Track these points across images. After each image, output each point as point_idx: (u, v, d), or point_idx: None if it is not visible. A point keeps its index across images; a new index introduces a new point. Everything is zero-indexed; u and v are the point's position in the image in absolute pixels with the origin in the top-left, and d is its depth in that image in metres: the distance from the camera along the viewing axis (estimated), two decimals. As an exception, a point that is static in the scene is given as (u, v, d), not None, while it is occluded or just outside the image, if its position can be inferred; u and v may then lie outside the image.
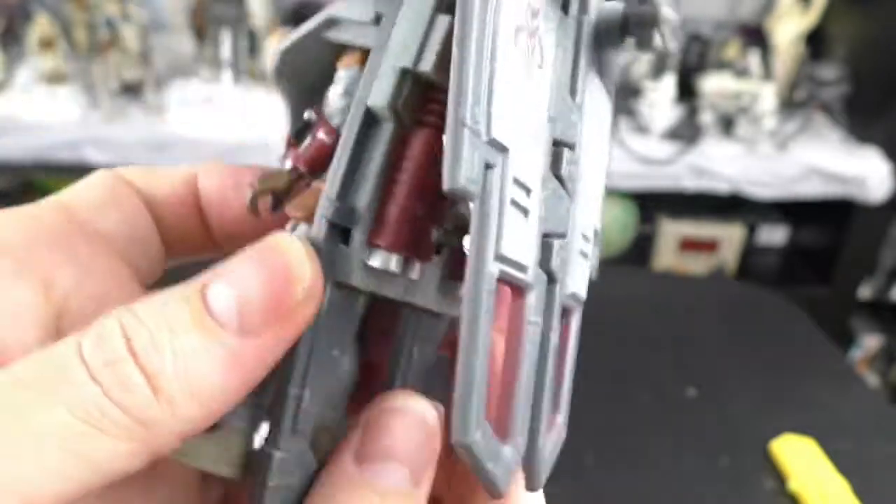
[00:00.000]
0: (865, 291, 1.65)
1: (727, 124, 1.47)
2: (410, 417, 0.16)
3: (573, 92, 0.16)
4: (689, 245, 1.59)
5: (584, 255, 0.18)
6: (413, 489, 0.16)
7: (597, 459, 0.57)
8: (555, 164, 0.16)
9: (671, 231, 1.58)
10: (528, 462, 0.16)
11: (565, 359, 0.18)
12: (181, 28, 1.48)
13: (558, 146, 0.16)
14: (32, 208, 0.17)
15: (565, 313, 0.17)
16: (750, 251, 1.67)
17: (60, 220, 0.17)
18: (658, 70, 1.51)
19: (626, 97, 1.41)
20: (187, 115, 1.29)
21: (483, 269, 0.14)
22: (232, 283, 0.14)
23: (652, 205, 1.58)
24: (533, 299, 0.15)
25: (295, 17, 1.48)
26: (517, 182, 0.15)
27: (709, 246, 1.59)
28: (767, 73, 1.51)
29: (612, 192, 1.49)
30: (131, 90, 1.33)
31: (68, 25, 1.40)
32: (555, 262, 0.16)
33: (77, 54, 1.39)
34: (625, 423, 0.62)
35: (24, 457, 0.12)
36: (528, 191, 0.15)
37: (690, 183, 1.40)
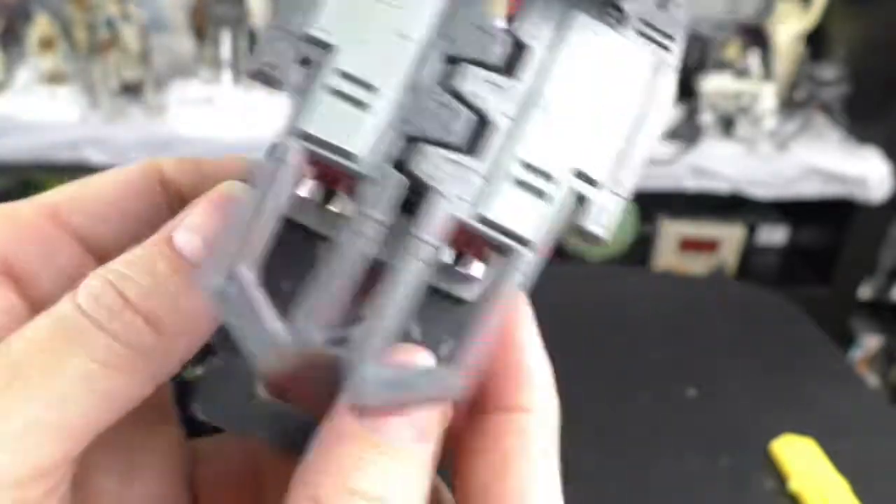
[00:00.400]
0: (865, 291, 1.65)
1: (727, 124, 1.47)
2: None
3: (480, 13, 0.17)
4: (689, 245, 1.59)
5: (533, 189, 0.17)
6: (419, 445, 0.16)
7: (596, 459, 0.57)
8: (446, 78, 0.16)
9: (671, 231, 1.58)
10: (346, 364, 0.15)
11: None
12: (181, 28, 1.48)
13: (456, 62, 0.16)
14: (14, 207, 0.19)
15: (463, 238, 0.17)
16: (750, 251, 1.67)
17: (43, 221, 0.19)
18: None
19: None
20: (187, 116, 1.30)
21: (279, 140, 0.15)
22: (194, 228, 0.16)
23: (652, 205, 1.58)
24: (368, 191, 0.15)
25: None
26: (346, 75, 0.16)
27: (709, 246, 1.59)
28: (767, 74, 1.51)
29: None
30: (131, 90, 1.33)
31: (68, 25, 1.40)
32: (420, 164, 0.16)
33: (77, 54, 1.39)
34: (624, 422, 0.62)
35: (58, 400, 0.15)
36: (367, 86, 0.16)
37: (690, 183, 1.40)
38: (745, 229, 1.61)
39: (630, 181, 0.18)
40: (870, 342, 1.73)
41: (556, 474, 0.18)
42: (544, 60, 0.17)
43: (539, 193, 0.17)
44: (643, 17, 0.18)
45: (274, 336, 0.14)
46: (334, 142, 0.16)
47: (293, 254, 0.17)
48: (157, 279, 0.16)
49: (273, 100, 1.34)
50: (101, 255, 0.19)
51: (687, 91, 1.46)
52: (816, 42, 1.58)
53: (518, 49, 0.17)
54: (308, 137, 0.15)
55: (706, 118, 1.43)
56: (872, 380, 1.72)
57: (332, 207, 0.18)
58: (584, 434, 0.60)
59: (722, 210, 1.63)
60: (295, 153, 0.15)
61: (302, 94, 0.16)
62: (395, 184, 0.16)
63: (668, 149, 1.39)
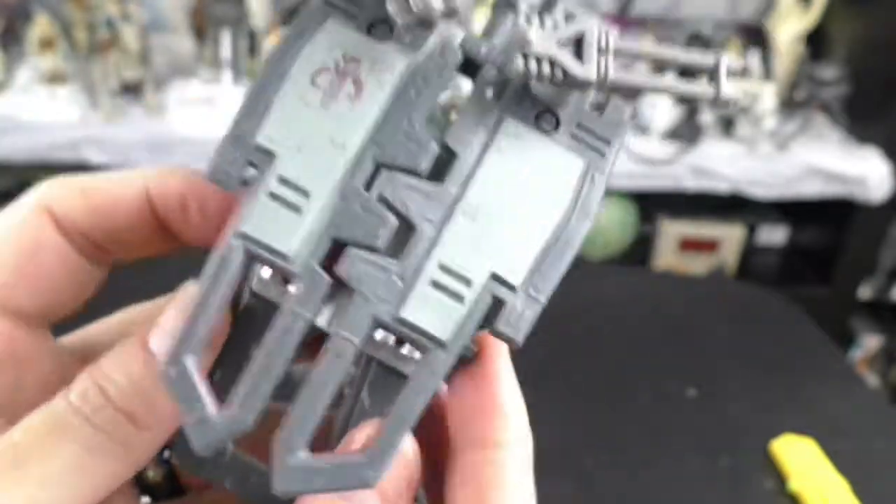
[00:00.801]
0: (866, 291, 1.65)
1: (727, 124, 1.47)
2: None
3: (410, 122, 0.18)
4: (689, 245, 1.59)
5: (449, 291, 0.18)
6: None
7: (596, 460, 0.57)
8: (369, 183, 0.18)
9: (671, 231, 1.58)
10: (270, 455, 0.17)
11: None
12: (181, 28, 1.48)
13: (385, 168, 0.18)
14: None
15: (376, 341, 0.19)
16: (750, 251, 1.67)
17: None
18: (658, 70, 1.51)
19: (626, 97, 1.40)
20: (187, 115, 1.29)
21: (226, 241, 0.17)
22: (166, 332, 0.18)
23: (652, 205, 1.58)
24: (297, 289, 0.18)
25: (294, 17, 1.48)
26: (284, 181, 0.18)
27: (709, 246, 1.59)
28: (768, 74, 1.51)
29: (611, 192, 1.49)
30: (131, 90, 1.33)
31: (68, 25, 1.40)
32: (345, 267, 0.18)
33: (77, 54, 1.39)
34: (624, 423, 0.62)
35: (52, 481, 0.17)
36: (304, 192, 0.18)
37: (690, 183, 1.40)
38: (745, 229, 1.61)
39: (549, 286, 0.18)
40: (870, 342, 1.73)
41: (532, 501, 0.19)
42: (472, 166, 0.18)
43: (455, 296, 0.18)
44: (580, 121, 0.19)
45: (207, 420, 0.17)
46: (269, 242, 0.17)
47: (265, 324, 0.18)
48: (133, 379, 0.18)
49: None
50: (21, 313, 0.20)
51: (687, 91, 1.46)
52: (816, 42, 1.58)
53: (448, 155, 0.18)
54: (246, 237, 0.17)
55: (706, 118, 1.43)
56: (872, 380, 1.72)
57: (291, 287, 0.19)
58: (583, 434, 0.60)
59: (722, 210, 1.63)
60: (237, 251, 0.17)
61: (247, 198, 0.18)
62: (321, 284, 0.17)
63: (668, 149, 1.39)
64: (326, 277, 0.18)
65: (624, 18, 1.68)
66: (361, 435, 0.18)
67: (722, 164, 1.39)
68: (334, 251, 0.18)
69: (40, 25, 1.29)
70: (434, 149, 0.18)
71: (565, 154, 0.19)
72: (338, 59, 0.18)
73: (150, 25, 1.36)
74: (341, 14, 0.19)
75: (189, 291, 0.19)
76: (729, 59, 0.19)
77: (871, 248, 1.57)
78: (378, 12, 0.18)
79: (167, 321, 0.19)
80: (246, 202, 0.18)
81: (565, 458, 0.57)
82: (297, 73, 0.18)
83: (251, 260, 0.18)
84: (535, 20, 0.17)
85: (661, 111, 1.39)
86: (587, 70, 0.17)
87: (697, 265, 1.60)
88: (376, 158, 0.18)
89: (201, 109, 1.30)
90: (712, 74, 0.19)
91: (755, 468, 0.58)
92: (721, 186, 1.41)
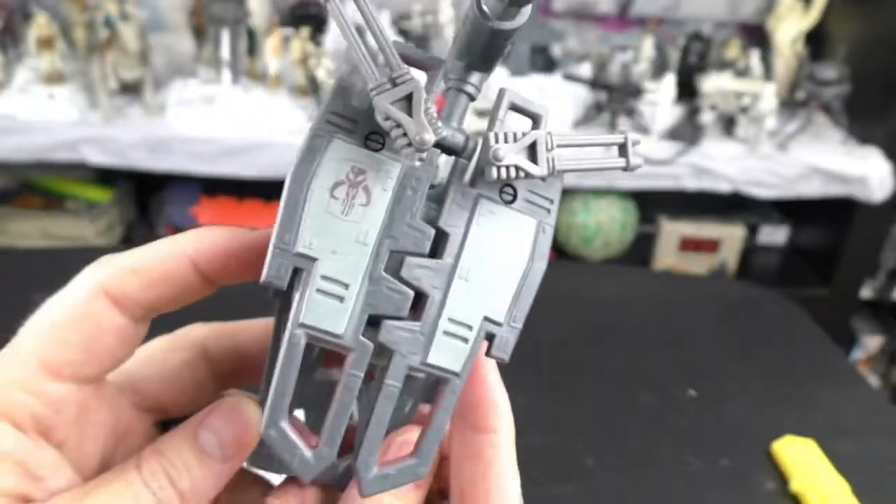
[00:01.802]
0: (866, 292, 1.65)
1: (728, 124, 1.47)
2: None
3: (412, 215, 0.24)
4: (689, 245, 1.58)
5: (457, 337, 0.24)
6: None
7: (597, 460, 0.56)
8: (394, 268, 0.24)
9: (671, 231, 1.58)
10: (356, 472, 0.24)
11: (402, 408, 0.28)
12: (180, 28, 1.48)
13: (400, 254, 0.24)
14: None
15: (413, 379, 0.26)
16: (750, 251, 1.67)
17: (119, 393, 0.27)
18: (658, 70, 1.51)
19: (626, 97, 1.40)
20: (186, 115, 1.29)
21: (291, 330, 0.23)
22: (212, 430, 0.25)
23: (652, 205, 1.58)
24: (351, 358, 0.23)
25: (294, 18, 1.48)
26: (326, 278, 0.23)
27: (709, 246, 1.59)
28: (768, 73, 1.51)
29: (612, 192, 1.49)
30: (130, 90, 1.33)
31: (67, 25, 1.40)
32: (384, 335, 0.23)
33: (76, 54, 1.39)
34: (625, 423, 0.62)
35: None
36: (343, 284, 0.23)
37: (691, 183, 1.40)
38: (745, 229, 1.60)
39: (522, 316, 0.25)
40: (871, 342, 1.73)
41: (517, 471, 0.26)
42: (460, 241, 0.24)
43: (462, 339, 0.24)
44: (531, 189, 0.25)
45: (307, 460, 0.23)
46: (325, 328, 0.23)
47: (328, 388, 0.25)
48: (185, 465, 0.24)
49: (271, 100, 1.34)
50: (86, 380, 0.24)
51: (687, 91, 1.46)
52: (816, 42, 1.58)
53: (442, 236, 0.24)
54: (306, 326, 0.23)
55: (707, 118, 1.42)
56: (873, 380, 1.72)
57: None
58: (584, 434, 0.60)
59: (722, 210, 1.63)
60: (301, 338, 0.23)
61: (300, 294, 0.23)
62: (367, 351, 0.23)
63: (668, 149, 1.39)
64: (370, 345, 0.23)
65: (624, 18, 1.68)
66: (401, 439, 0.26)
67: (722, 164, 1.39)
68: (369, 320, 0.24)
69: (39, 25, 1.28)
70: (431, 234, 0.24)
71: (522, 217, 0.25)
72: (348, 172, 0.23)
73: (149, 25, 1.36)
74: (343, 131, 0.24)
75: (231, 404, 0.25)
76: (632, 137, 0.25)
77: (872, 248, 1.57)
78: (371, 126, 0.24)
79: (213, 423, 0.24)
80: (299, 299, 0.23)
81: (566, 458, 0.57)
82: (318, 188, 0.23)
83: (312, 342, 0.23)
84: (501, 136, 0.23)
85: (662, 111, 1.39)
86: (542, 168, 0.24)
87: (697, 265, 1.60)
88: (391, 248, 0.24)
89: (200, 109, 1.30)
90: (622, 149, 0.25)
91: (756, 469, 0.58)
92: (721, 186, 1.41)
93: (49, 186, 1.46)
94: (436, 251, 0.24)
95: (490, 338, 0.25)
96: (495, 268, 0.25)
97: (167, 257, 0.25)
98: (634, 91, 1.40)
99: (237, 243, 0.25)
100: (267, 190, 1.42)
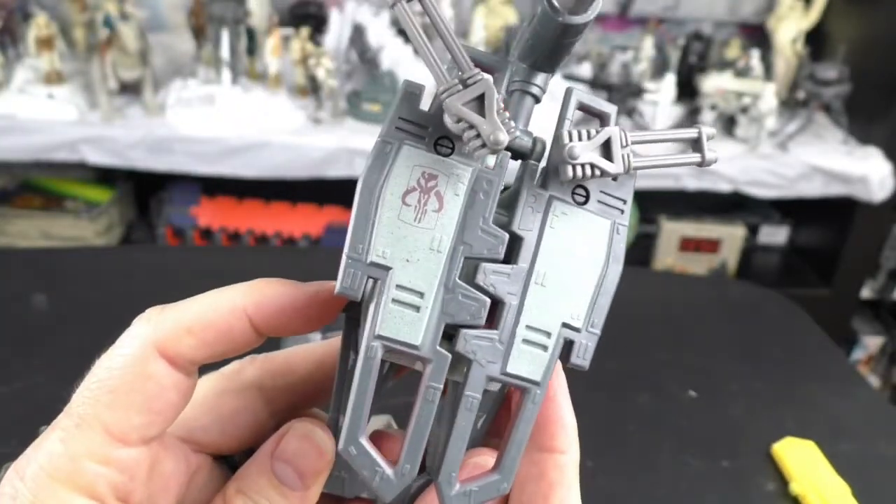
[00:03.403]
0: (867, 292, 1.65)
1: (728, 124, 1.47)
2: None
3: (485, 220, 0.23)
4: (689, 245, 1.58)
5: (536, 344, 0.23)
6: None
7: (596, 462, 0.56)
8: (468, 275, 0.23)
9: (671, 231, 1.58)
10: (439, 489, 0.23)
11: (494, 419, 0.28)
12: (180, 27, 1.48)
13: (474, 260, 0.23)
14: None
15: (486, 393, 0.24)
16: (751, 251, 1.67)
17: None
18: (659, 70, 1.51)
19: (626, 97, 1.40)
20: (186, 115, 1.29)
21: (367, 343, 0.22)
22: (285, 460, 0.24)
23: (652, 205, 1.58)
24: (430, 370, 0.22)
25: (294, 18, 1.48)
26: (401, 287, 0.22)
27: (709, 246, 1.59)
28: (768, 73, 1.51)
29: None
30: (130, 90, 1.33)
31: (67, 25, 1.40)
32: (461, 345, 0.22)
33: (75, 54, 1.39)
34: (625, 424, 0.61)
35: None
36: (419, 294, 0.22)
37: (691, 183, 1.40)
38: (745, 229, 1.60)
39: (601, 321, 0.24)
40: (871, 343, 1.72)
41: (579, 496, 0.25)
42: (535, 245, 0.24)
43: (541, 346, 0.24)
44: (602, 189, 0.25)
45: (388, 478, 0.22)
46: (402, 338, 0.22)
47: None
48: (269, 500, 0.24)
49: (271, 100, 1.33)
50: (151, 438, 0.24)
51: (688, 91, 1.46)
52: (817, 42, 1.58)
53: (516, 240, 0.23)
54: (382, 338, 0.22)
55: (707, 118, 1.42)
56: (874, 380, 1.72)
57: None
58: (583, 435, 0.59)
59: (723, 210, 1.63)
60: (378, 350, 0.22)
61: (375, 305, 0.22)
62: (446, 362, 0.23)
63: (668, 149, 1.39)
64: (448, 356, 0.23)
65: (624, 18, 1.67)
66: (472, 461, 0.25)
67: (723, 164, 1.39)
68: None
69: (39, 25, 1.28)
70: (506, 239, 0.23)
71: (596, 219, 0.24)
72: (419, 178, 0.23)
73: (148, 25, 1.35)
74: (412, 137, 0.23)
75: (295, 428, 0.25)
76: (707, 131, 0.25)
77: (873, 248, 1.57)
78: (441, 131, 0.23)
79: (286, 453, 0.24)
80: (374, 310, 0.22)
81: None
82: (389, 196, 0.23)
83: (388, 354, 0.22)
84: (575, 134, 0.23)
85: (662, 111, 1.39)
86: (617, 166, 0.23)
87: (697, 265, 1.59)
88: (465, 254, 0.23)
89: (200, 109, 1.30)
90: (696, 144, 0.25)
91: (756, 470, 0.58)
92: (722, 186, 1.40)
93: (49, 186, 1.45)
94: (510, 257, 0.24)
95: (568, 345, 0.24)
96: (571, 272, 0.24)
97: (225, 315, 0.24)
98: (635, 91, 1.40)
99: (295, 298, 0.25)
100: (267, 190, 1.42)
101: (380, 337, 0.22)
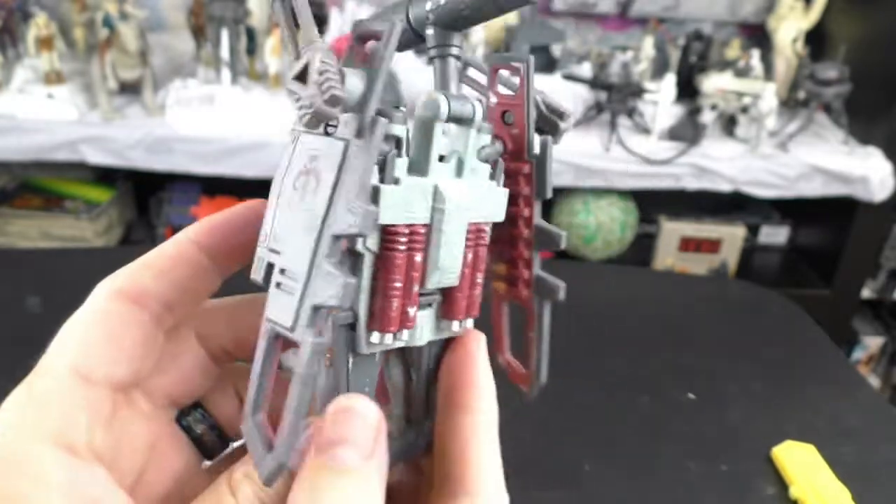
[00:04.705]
0: (867, 292, 1.65)
1: (728, 124, 1.46)
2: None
3: (349, 194, 0.22)
4: (689, 245, 1.58)
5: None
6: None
7: (594, 465, 0.56)
8: (349, 248, 0.23)
9: (671, 231, 1.58)
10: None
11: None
12: (180, 27, 1.48)
13: (335, 238, 0.22)
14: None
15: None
16: (751, 251, 1.67)
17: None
18: (659, 70, 1.51)
19: (626, 97, 1.40)
20: (186, 115, 1.29)
21: (263, 325, 0.23)
22: (349, 444, 0.22)
23: (652, 205, 1.58)
24: (301, 352, 0.22)
25: (293, 17, 1.48)
26: (282, 271, 0.23)
27: (709, 246, 1.58)
28: (768, 73, 1.50)
29: (612, 192, 1.49)
30: (130, 90, 1.33)
31: (66, 25, 1.40)
32: (322, 325, 0.22)
33: (75, 54, 1.38)
34: (624, 426, 0.61)
35: None
36: (293, 277, 0.22)
37: (691, 183, 1.40)
38: (745, 229, 1.60)
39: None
40: (871, 343, 1.72)
41: (499, 451, 0.26)
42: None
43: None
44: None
45: (264, 457, 0.22)
46: (280, 321, 0.22)
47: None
48: (276, 491, 0.23)
49: (270, 99, 1.33)
50: (118, 384, 0.24)
51: (688, 91, 1.46)
52: (817, 42, 1.58)
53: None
54: (269, 320, 0.23)
55: (707, 118, 1.42)
56: (874, 381, 1.72)
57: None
58: (581, 438, 0.59)
59: (723, 210, 1.63)
60: (269, 332, 0.23)
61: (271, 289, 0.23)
62: (313, 345, 0.22)
63: (668, 148, 1.39)
64: (317, 341, 0.22)
65: (624, 18, 1.67)
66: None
67: (723, 164, 1.39)
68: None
69: (38, 25, 1.28)
70: (369, 214, 0.22)
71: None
72: (306, 160, 0.23)
73: (148, 25, 1.35)
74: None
75: (338, 404, 0.24)
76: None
77: (873, 248, 1.57)
78: None
79: (340, 435, 0.23)
80: (270, 293, 0.23)
81: (562, 462, 0.57)
82: (287, 183, 0.23)
83: (276, 336, 0.23)
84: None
85: (662, 111, 1.39)
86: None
87: (697, 265, 1.59)
88: (331, 232, 0.22)
89: (200, 109, 1.30)
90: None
91: (756, 474, 0.57)
92: (722, 186, 1.40)
93: (48, 186, 1.45)
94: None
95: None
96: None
97: (170, 246, 0.26)
98: (635, 91, 1.40)
99: (230, 213, 0.26)
100: (267, 190, 1.41)
101: (268, 319, 0.23)
